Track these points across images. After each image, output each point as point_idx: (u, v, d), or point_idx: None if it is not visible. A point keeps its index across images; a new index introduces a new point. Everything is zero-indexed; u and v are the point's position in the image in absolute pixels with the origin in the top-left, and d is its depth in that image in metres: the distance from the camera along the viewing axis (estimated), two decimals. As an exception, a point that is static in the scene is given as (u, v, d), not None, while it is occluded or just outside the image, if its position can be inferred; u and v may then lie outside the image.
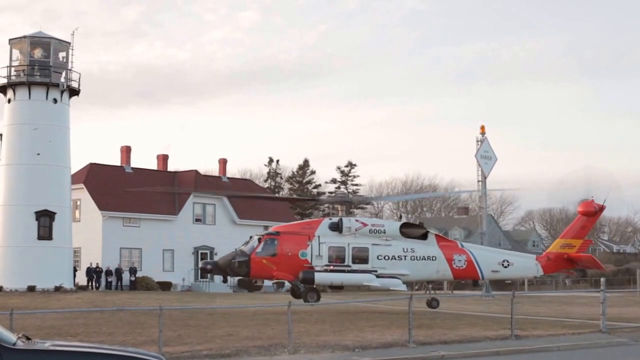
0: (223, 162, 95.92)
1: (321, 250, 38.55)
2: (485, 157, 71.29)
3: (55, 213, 64.36)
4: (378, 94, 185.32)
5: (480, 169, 71.12)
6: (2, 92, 65.56)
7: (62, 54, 66.35)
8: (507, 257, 42.35)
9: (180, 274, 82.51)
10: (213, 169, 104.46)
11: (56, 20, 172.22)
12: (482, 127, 72.34)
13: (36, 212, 63.72)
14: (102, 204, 78.96)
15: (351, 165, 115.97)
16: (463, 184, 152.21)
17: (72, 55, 66.08)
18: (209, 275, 41.69)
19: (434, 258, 40.49)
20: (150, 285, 76.33)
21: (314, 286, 38.44)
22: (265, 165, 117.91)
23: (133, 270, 77.33)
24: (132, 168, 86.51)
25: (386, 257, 39.35)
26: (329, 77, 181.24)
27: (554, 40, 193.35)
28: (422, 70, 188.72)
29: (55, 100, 64.72)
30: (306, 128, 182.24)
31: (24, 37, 65.26)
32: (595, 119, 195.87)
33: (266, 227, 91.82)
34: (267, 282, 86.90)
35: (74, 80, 66.12)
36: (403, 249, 39.78)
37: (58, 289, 61.72)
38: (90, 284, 73.37)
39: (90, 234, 77.23)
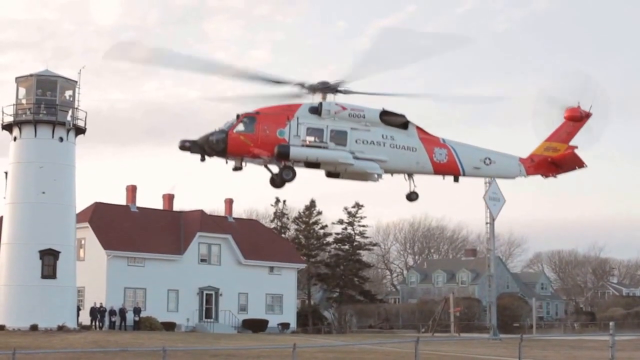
0: (229, 202, 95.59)
1: (299, 130, 38.06)
2: (494, 198, 70.89)
3: (59, 252, 64.02)
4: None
5: (488, 210, 70.65)
6: (8, 130, 65.54)
7: (68, 93, 66.44)
8: (489, 154, 41.17)
9: (184, 315, 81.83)
10: (219, 209, 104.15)
11: (67, 58, 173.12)
12: (491, 169, 71.86)
13: (40, 251, 63.38)
14: (107, 243, 78.54)
15: (358, 206, 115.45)
16: (471, 226, 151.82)
17: (79, 93, 66.20)
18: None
19: (414, 149, 39.67)
20: (154, 325, 75.67)
21: (290, 163, 37.86)
22: (272, 205, 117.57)
23: (137, 310, 76.71)
24: (138, 207, 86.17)
25: (364, 142, 38.60)
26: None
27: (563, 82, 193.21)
28: (429, 110, 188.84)
29: (61, 139, 64.68)
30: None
31: (31, 75, 65.35)
32: (605, 163, 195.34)
33: (272, 269, 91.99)
34: (272, 324, 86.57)
35: (80, 119, 66.18)
36: (382, 135, 39.01)
37: (61, 328, 61.21)
38: (93, 323, 72.75)
39: (95, 273, 76.70)
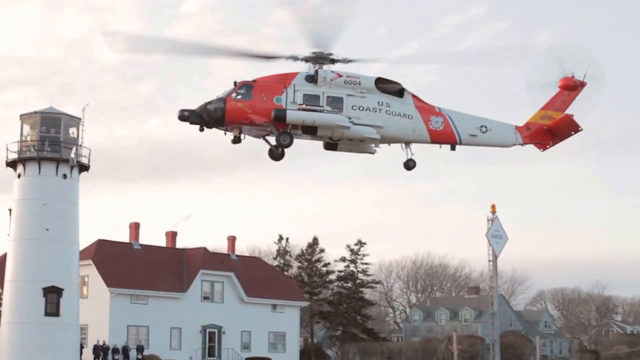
0: (232, 240, 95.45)
1: (296, 97, 38.94)
2: (496, 236, 70.54)
3: (62, 289, 63.90)
4: (388, 172, 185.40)
5: (491, 248, 70.47)
6: (12, 167, 65.66)
7: (73, 130, 66.64)
8: (485, 122, 41.91)
9: (187, 353, 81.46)
10: (222, 246, 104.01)
11: (72, 95, 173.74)
12: (493, 206, 71.59)
13: (44, 288, 63.27)
14: (110, 281, 78.32)
15: (361, 243, 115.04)
16: (474, 263, 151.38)
17: (83, 130, 66.38)
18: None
19: (410, 117, 40.51)
20: (157, 363, 75.35)
21: (287, 128, 38.58)
22: (275, 242, 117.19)
23: (140, 349, 76.38)
24: (141, 244, 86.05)
25: (360, 108, 39.42)
26: (339, 154, 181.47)
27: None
28: (432, 148, 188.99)
29: (65, 176, 64.86)
30: (316, 205, 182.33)
31: (35, 112, 65.68)
32: (607, 198, 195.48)
33: (275, 306, 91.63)
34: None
35: (84, 156, 66.33)
36: (378, 102, 39.80)
37: (64, 366, 60.89)
38: (96, 362, 72.41)
39: (98, 311, 76.44)
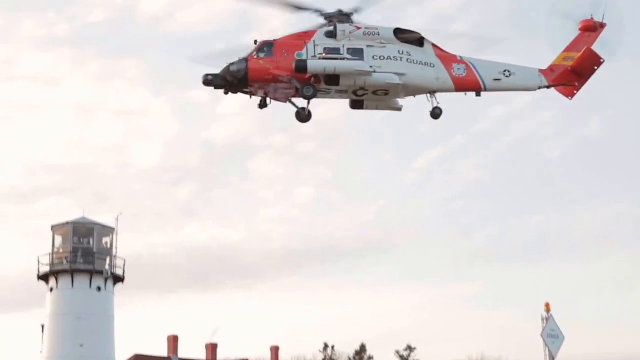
0: (275, 350, 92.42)
1: (316, 51, 39.80)
2: (552, 335, 66.98)
3: (98, 408, 61.36)
4: (437, 272, 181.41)
5: (547, 349, 66.79)
6: (44, 281, 64.26)
7: (106, 240, 65.25)
8: (508, 67, 42.47)
9: None
10: (265, 357, 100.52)
11: (105, 202, 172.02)
12: (547, 305, 68.42)
13: (79, 408, 60.81)
14: (148, 398, 75.32)
15: (410, 349, 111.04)
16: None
17: (117, 240, 64.85)
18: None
19: (432, 65, 41.05)
20: None
21: (310, 80, 39.33)
22: (320, 351, 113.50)
23: None
24: (180, 358, 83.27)
25: (381, 57, 40.13)
26: (386, 255, 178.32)
27: (624, 208, 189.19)
28: (485, 243, 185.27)
29: (99, 289, 63.41)
30: (360, 310, 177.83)
31: (67, 223, 64.58)
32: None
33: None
34: None
35: (119, 267, 64.87)
36: (399, 51, 40.42)
37: None
38: None
39: None
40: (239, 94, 40.14)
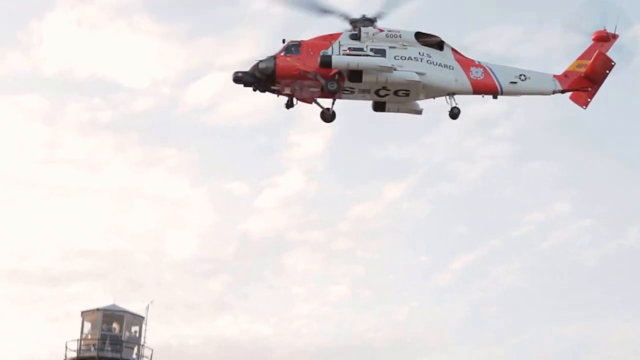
0: None
1: (341, 51, 41.75)
2: None
3: None
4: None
5: None
6: (73, 368, 63.46)
7: (135, 328, 64.86)
8: (523, 72, 44.30)
9: None
10: None
11: (137, 290, 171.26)
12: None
13: None
14: None
15: None
16: None
17: (146, 329, 64.51)
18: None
19: (451, 67, 42.91)
20: None
21: (334, 76, 41.19)
22: None
23: None
24: None
25: (403, 57, 41.97)
26: (418, 358, 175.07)
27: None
28: (517, 350, 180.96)
29: (126, 377, 62.48)
30: None
31: (97, 309, 64.36)
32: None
33: None
34: None
35: (146, 357, 64.40)
36: (419, 52, 42.32)
37: None
38: None
39: None
40: (267, 93, 42.14)
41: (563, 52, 46.46)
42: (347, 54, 41.46)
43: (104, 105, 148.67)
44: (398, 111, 44.04)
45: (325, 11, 41.49)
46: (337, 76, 41.30)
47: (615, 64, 44.71)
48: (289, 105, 42.97)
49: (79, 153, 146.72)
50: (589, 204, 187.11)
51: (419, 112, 44.45)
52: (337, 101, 43.01)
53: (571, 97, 46.28)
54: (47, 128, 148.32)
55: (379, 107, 43.76)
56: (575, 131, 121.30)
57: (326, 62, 40.80)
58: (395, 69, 41.45)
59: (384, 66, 41.30)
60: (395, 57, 41.94)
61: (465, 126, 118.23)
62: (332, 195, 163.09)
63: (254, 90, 42.35)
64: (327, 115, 43.25)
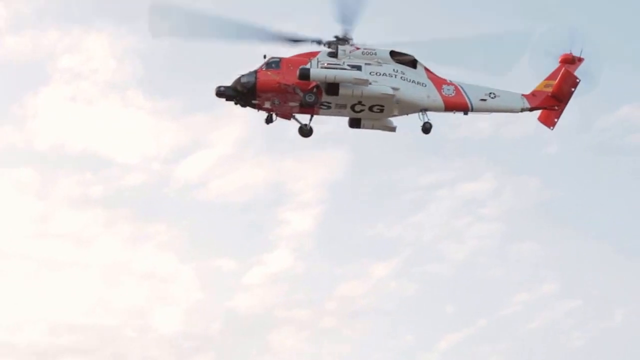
0: None
1: (319, 65, 43.64)
2: None
3: None
4: None
5: None
6: None
7: None
8: (493, 90, 46.49)
9: None
10: None
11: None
12: None
13: None
14: None
15: None
16: None
17: None
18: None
19: (423, 84, 45.09)
20: None
21: (312, 89, 43.04)
22: None
23: None
24: None
25: (377, 73, 43.95)
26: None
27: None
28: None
29: None
30: None
31: None
32: None
33: None
34: None
35: None
36: (393, 69, 44.40)
37: None
38: None
39: None
40: (248, 108, 44.32)
41: (532, 74, 48.75)
42: (325, 67, 43.43)
43: (95, 180, 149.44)
44: (373, 127, 45.97)
45: (297, 41, 43.70)
46: (315, 89, 43.37)
47: (580, 80, 47.13)
48: (269, 120, 44.64)
49: (69, 227, 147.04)
50: (576, 285, 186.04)
51: (393, 129, 46.46)
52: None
53: (539, 119, 48.54)
54: (38, 202, 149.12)
55: (354, 123, 45.76)
56: (563, 212, 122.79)
57: (305, 75, 42.69)
58: (370, 83, 43.47)
59: (360, 78, 43.32)
60: (370, 73, 44.00)
61: (454, 205, 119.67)
62: (320, 273, 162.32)
63: (235, 104, 44.11)
64: (305, 131, 44.89)
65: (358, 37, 45.17)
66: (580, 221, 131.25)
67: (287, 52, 45.26)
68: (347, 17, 43.45)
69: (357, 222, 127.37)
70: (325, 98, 43.62)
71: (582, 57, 48.10)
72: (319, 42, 44.16)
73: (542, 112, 48.44)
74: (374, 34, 46.38)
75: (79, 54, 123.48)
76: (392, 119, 46.47)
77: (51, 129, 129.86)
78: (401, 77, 44.60)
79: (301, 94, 43.21)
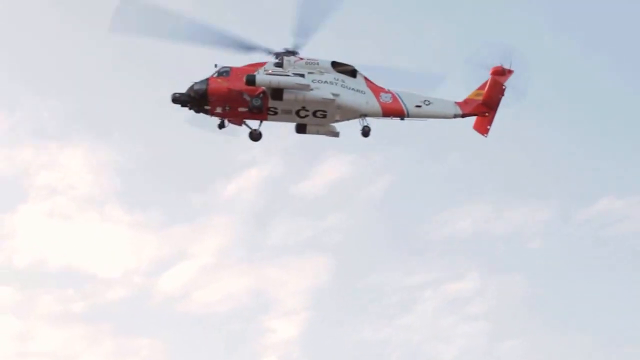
0: None
1: (264, 73, 47.07)
2: None
3: None
4: None
5: None
6: None
7: None
8: (428, 98, 49.99)
9: None
10: None
11: None
12: None
13: None
14: None
15: None
16: None
17: None
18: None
19: (362, 92, 48.82)
20: None
21: (259, 95, 46.59)
22: None
23: None
24: None
25: (319, 81, 47.49)
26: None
27: None
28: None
29: None
30: None
31: None
32: None
33: None
34: None
35: None
36: (335, 77, 48.04)
37: None
38: None
39: None
40: (201, 113, 47.76)
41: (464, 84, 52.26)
42: (270, 74, 47.19)
43: (76, 296, 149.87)
44: (318, 133, 49.50)
45: (250, 48, 47.08)
46: (262, 95, 46.83)
47: (506, 87, 51.08)
48: (221, 126, 48.25)
49: (50, 346, 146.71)
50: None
51: (336, 134, 49.89)
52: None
53: (474, 127, 52.23)
54: (18, 321, 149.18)
55: (301, 129, 49.29)
56: (548, 308, 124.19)
57: (251, 80, 46.40)
58: (312, 89, 47.05)
59: (301, 84, 46.91)
60: (313, 80, 47.56)
61: (440, 305, 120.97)
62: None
63: (190, 109, 47.83)
64: (255, 135, 48.49)
65: (305, 51, 48.67)
66: (566, 316, 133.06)
67: (237, 61, 48.62)
68: (303, 32, 47.08)
69: (343, 328, 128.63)
70: (271, 103, 47.04)
71: (511, 69, 51.70)
72: (269, 52, 47.83)
73: (475, 121, 51.89)
74: (320, 49, 50.63)
75: (55, 169, 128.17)
76: (335, 124, 49.77)
77: (30, 246, 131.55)
78: (342, 85, 48.27)
79: (249, 99, 46.71)
